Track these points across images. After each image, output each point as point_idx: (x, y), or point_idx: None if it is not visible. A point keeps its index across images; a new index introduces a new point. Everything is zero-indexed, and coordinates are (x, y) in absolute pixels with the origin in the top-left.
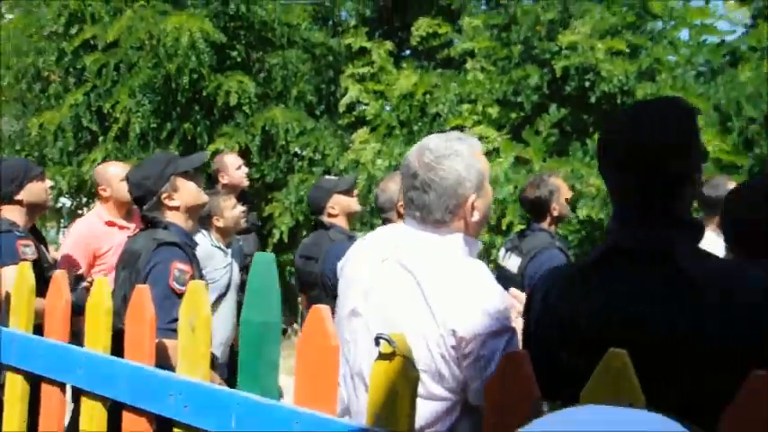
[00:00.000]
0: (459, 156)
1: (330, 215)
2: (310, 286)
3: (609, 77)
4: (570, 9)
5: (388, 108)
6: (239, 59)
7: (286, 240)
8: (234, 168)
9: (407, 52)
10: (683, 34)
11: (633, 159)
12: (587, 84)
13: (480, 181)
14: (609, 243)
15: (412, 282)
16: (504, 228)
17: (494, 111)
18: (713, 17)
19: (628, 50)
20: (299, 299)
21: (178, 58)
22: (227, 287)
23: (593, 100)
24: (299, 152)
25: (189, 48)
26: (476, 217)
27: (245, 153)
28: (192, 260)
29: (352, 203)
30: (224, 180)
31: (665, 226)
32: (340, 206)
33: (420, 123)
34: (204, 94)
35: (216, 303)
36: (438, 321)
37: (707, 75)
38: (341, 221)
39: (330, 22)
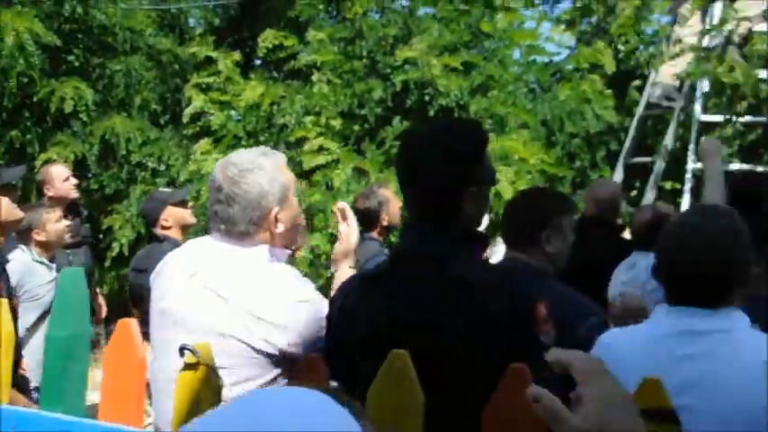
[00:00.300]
0: (262, 170)
1: (164, 227)
2: (141, 299)
3: (446, 92)
4: (411, 26)
5: (235, 117)
6: (77, 64)
7: (126, 253)
8: (60, 180)
9: (257, 63)
10: (516, 53)
11: (412, 175)
12: (426, 98)
13: (284, 194)
14: (395, 250)
15: (216, 295)
16: None
17: (337, 123)
18: (541, 39)
19: (462, 68)
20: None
21: (2, 59)
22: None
23: (432, 113)
24: (142, 162)
25: (15, 49)
26: (280, 228)
27: (81, 163)
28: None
29: (187, 215)
30: (50, 192)
31: (443, 237)
32: (174, 218)
33: (266, 134)
34: (35, 99)
35: (39, 321)
36: (248, 321)
37: (537, 92)
38: (175, 234)
39: (177, 30)
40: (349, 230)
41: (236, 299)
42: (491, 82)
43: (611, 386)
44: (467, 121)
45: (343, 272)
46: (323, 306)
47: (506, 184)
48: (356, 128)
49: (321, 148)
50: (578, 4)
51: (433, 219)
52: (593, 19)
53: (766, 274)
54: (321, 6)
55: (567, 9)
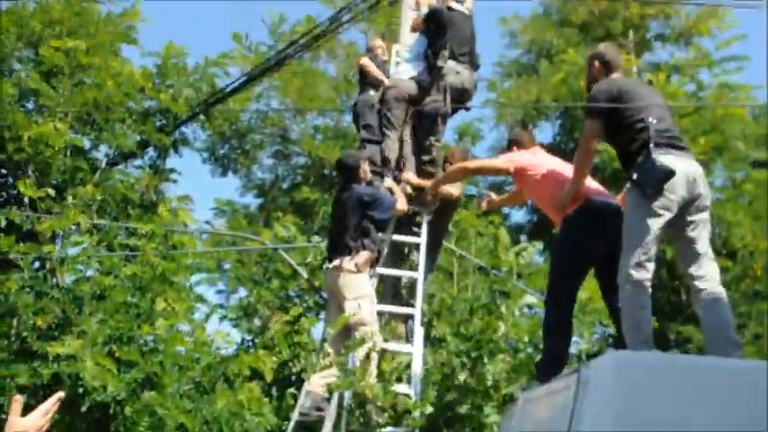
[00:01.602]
0: None
1: None
2: None
3: (101, 388)
4: (69, 312)
5: None
6: None
7: None
8: None
9: None
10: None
11: None
12: (80, 390)
13: None
14: None
15: None
16: None
17: None
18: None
19: (119, 366)
20: None
21: None
22: None
23: (84, 409)
24: None
25: None
26: None
27: None
28: None
29: None
30: None
31: None
32: None
33: None
34: None
35: None
36: None
37: (200, 390)
38: None
39: None
40: None
41: None
42: (153, 380)
43: None
44: None
45: None
46: None
47: None
48: None
49: None
50: (244, 303)
51: None
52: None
53: None
54: None
55: (233, 307)
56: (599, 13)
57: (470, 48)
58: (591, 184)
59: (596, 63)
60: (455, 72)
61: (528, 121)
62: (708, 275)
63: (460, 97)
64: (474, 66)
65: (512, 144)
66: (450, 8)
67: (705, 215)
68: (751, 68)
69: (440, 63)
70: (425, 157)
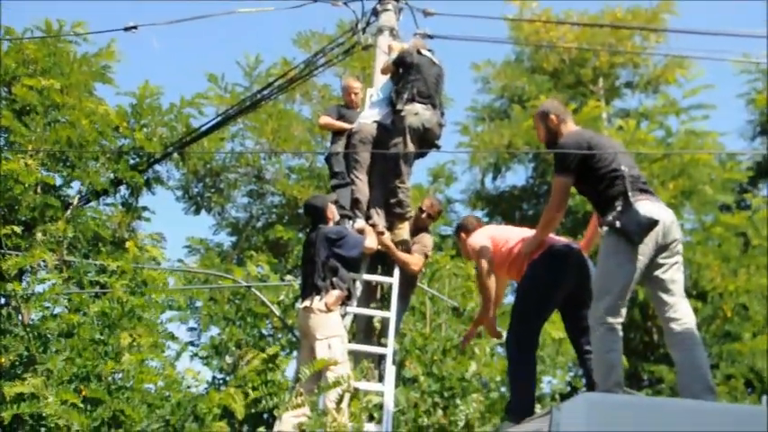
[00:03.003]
0: None
1: None
2: None
3: (67, 427)
4: (33, 350)
5: None
6: None
7: None
8: None
9: None
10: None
11: None
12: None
13: None
14: None
15: None
16: None
17: None
18: (176, 375)
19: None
20: None
21: None
22: None
23: None
24: None
25: None
26: None
27: None
28: None
29: None
30: None
31: None
32: None
33: None
34: None
35: None
36: None
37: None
38: None
39: None
40: None
41: None
42: (121, 418)
43: None
44: None
45: None
46: None
47: None
48: None
49: None
50: (216, 341)
51: None
52: (229, 360)
53: None
54: None
55: (204, 345)
56: (569, 61)
57: (434, 91)
58: (552, 236)
59: (552, 116)
60: (413, 113)
61: (501, 167)
62: (683, 318)
63: (424, 136)
64: (436, 108)
65: (459, 230)
66: (419, 53)
67: (678, 258)
68: (716, 116)
69: (399, 106)
70: (392, 200)
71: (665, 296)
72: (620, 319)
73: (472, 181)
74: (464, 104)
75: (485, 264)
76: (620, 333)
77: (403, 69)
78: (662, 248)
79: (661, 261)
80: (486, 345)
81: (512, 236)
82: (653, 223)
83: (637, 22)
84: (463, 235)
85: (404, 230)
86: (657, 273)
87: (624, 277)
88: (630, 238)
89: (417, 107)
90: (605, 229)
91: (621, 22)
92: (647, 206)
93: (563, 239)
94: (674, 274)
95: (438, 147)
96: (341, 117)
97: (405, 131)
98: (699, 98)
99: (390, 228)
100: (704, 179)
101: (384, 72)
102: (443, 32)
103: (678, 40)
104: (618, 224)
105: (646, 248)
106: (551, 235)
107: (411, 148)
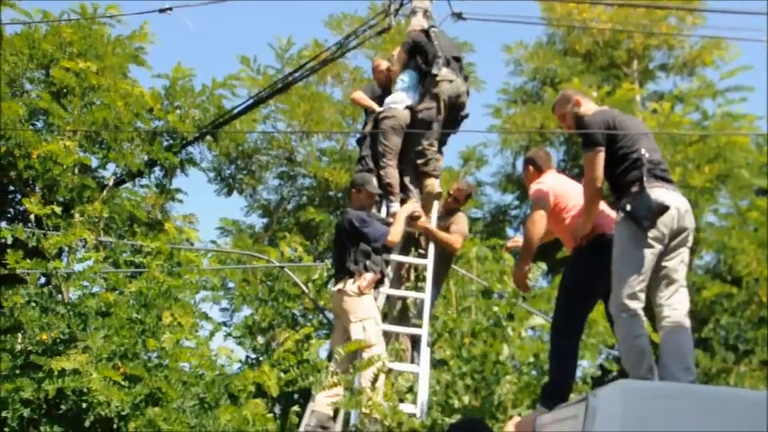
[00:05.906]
0: None
1: None
2: None
3: (106, 402)
4: (74, 329)
5: None
6: None
7: None
8: None
9: None
10: (185, 365)
11: None
12: (84, 405)
13: None
14: None
15: None
16: None
17: None
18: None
19: (125, 382)
20: None
21: None
22: None
23: (87, 423)
24: None
25: None
26: None
27: None
28: None
29: None
30: None
31: None
32: None
33: None
34: None
35: None
36: None
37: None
38: None
39: None
40: None
41: None
42: (158, 395)
43: None
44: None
45: None
46: None
47: None
48: None
49: None
50: (249, 321)
51: None
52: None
53: None
54: None
55: (237, 325)
56: (603, 43)
57: (459, 55)
58: (605, 211)
59: (530, 167)
60: (448, 80)
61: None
62: (676, 304)
63: (456, 102)
64: (464, 76)
65: (528, 164)
66: (426, 31)
67: (687, 247)
68: (754, 98)
69: (434, 70)
70: (419, 160)
71: (663, 281)
72: (641, 304)
73: (503, 164)
74: (496, 87)
75: (537, 216)
76: (643, 319)
77: (419, 50)
78: (674, 235)
79: (670, 248)
80: (519, 328)
81: (573, 196)
82: (663, 209)
83: (673, 2)
84: (531, 168)
85: (435, 184)
86: (664, 258)
87: (641, 262)
88: (639, 223)
89: (450, 74)
90: (620, 214)
91: (657, 2)
92: (659, 192)
93: (612, 216)
94: (678, 263)
95: (466, 116)
96: (374, 97)
97: (438, 97)
98: (736, 80)
99: (420, 188)
100: (740, 163)
101: (399, 65)
102: (475, 14)
103: (716, 19)
104: (628, 207)
105: (662, 235)
106: (602, 207)
107: (443, 114)
